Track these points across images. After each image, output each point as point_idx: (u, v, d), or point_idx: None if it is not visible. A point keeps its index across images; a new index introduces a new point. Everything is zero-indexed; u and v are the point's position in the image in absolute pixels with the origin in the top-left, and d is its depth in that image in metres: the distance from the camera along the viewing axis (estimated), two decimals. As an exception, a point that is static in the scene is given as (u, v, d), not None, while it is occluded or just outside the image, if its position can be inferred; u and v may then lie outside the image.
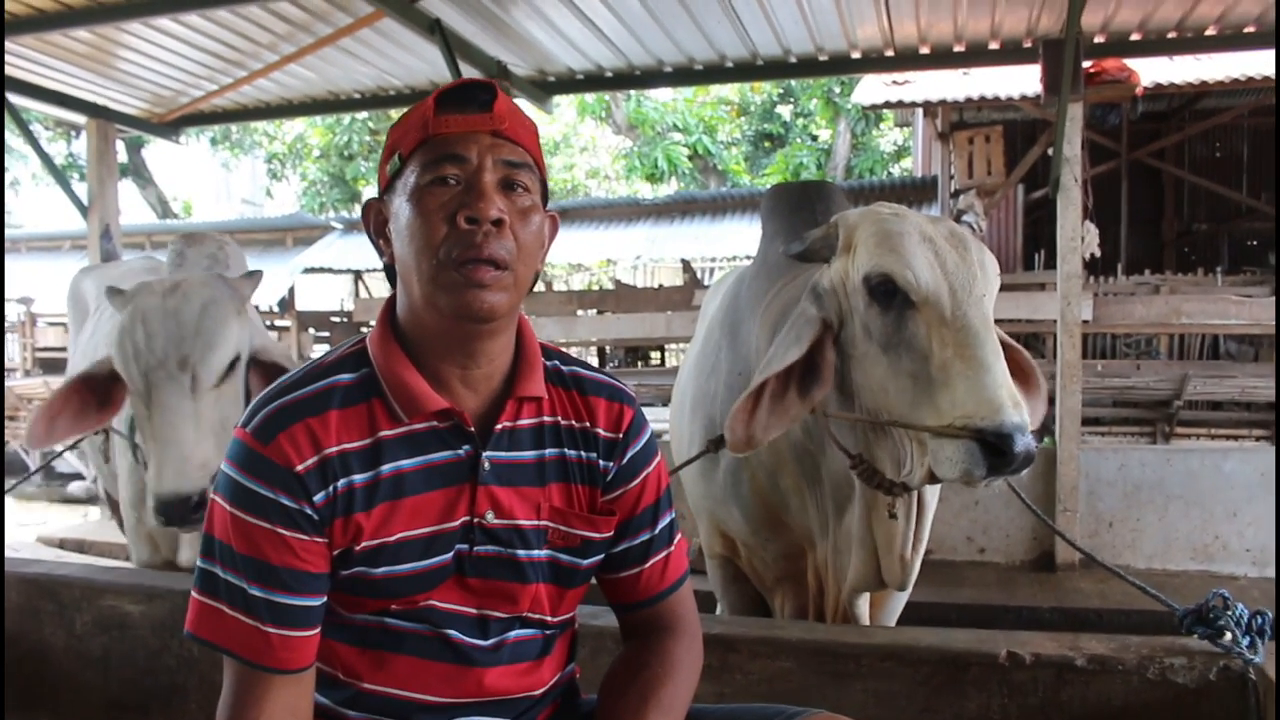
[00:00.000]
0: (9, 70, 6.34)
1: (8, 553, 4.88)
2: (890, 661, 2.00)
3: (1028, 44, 6.07)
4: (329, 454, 1.22)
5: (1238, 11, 5.60)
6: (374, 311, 11.85)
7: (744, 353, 2.44)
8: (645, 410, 1.48)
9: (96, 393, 2.63)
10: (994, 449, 1.62)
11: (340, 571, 1.24)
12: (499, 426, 1.30)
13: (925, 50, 6.31)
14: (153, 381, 2.39)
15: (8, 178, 18.12)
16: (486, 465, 1.28)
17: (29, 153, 14.73)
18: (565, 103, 17.22)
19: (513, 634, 1.33)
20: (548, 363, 1.38)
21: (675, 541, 1.46)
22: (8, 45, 5.82)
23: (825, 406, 2.04)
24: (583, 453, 1.36)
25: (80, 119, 7.28)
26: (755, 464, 2.39)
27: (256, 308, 3.16)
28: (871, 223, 1.91)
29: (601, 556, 1.39)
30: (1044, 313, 7.79)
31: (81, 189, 7.36)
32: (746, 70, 6.73)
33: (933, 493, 2.13)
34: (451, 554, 1.27)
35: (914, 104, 10.21)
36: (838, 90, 16.37)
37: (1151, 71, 8.67)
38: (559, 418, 1.36)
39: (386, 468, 1.24)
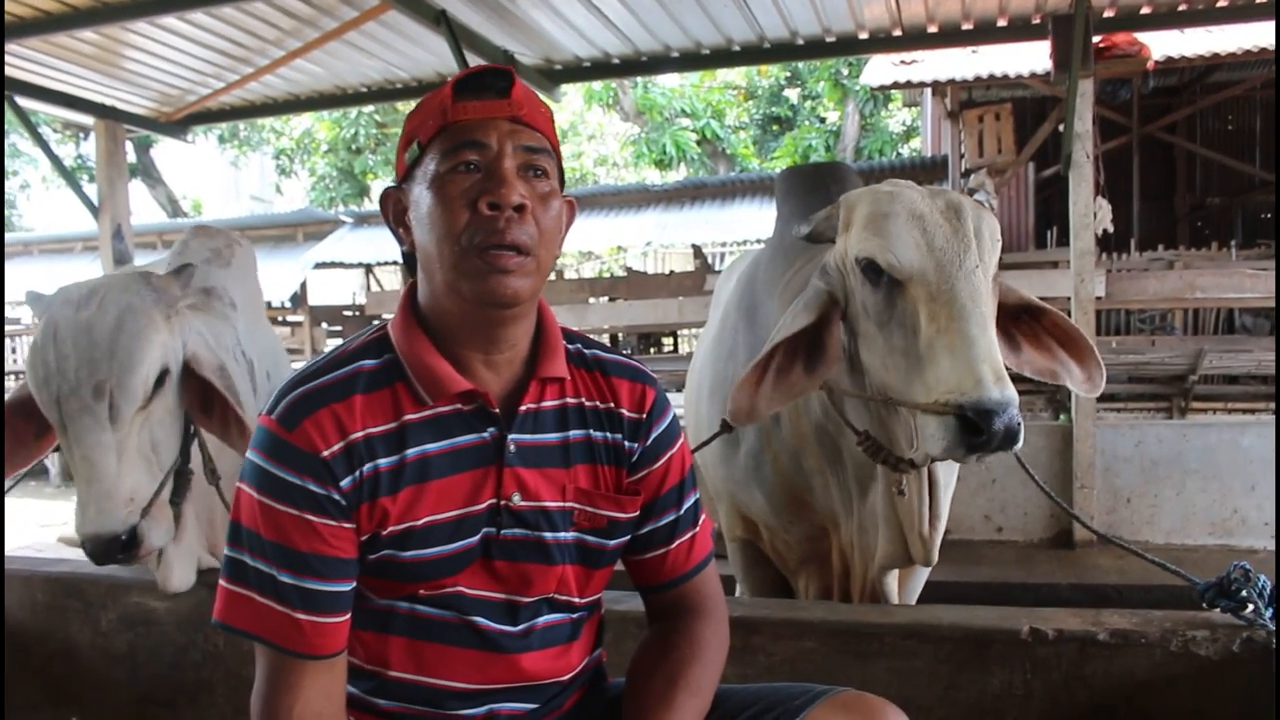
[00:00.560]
0: (17, 74, 6.36)
1: (31, 554, 4.95)
2: (913, 640, 2.00)
3: (1037, 20, 6.01)
4: (355, 439, 1.23)
5: (1249, -18, 5.55)
6: (386, 305, 11.88)
7: (762, 335, 2.44)
8: (660, 395, 1.48)
9: (34, 419, 2.25)
10: (974, 425, 1.61)
11: (368, 556, 1.25)
12: (523, 408, 1.30)
13: (933, 29, 6.26)
14: (66, 413, 2.08)
15: (18, 181, 18.21)
16: (512, 447, 1.29)
17: (39, 156, 14.77)
18: (572, 91, 17.15)
19: (541, 619, 1.34)
20: (569, 346, 1.39)
21: (700, 522, 1.47)
22: (15, 49, 5.84)
23: (836, 384, 2.05)
24: (608, 433, 1.37)
25: (88, 120, 7.29)
26: (778, 446, 2.40)
27: (269, 304, 3.11)
28: (865, 203, 1.92)
29: (628, 538, 1.40)
30: (1057, 290, 7.73)
31: (91, 190, 7.37)
32: (754, 53, 6.68)
33: (949, 470, 2.14)
34: (479, 537, 1.28)
35: (922, 84, 10.13)
36: (845, 72, 16.28)
37: (1162, 45, 8.58)
38: (583, 399, 1.37)
39: (412, 451, 1.25)
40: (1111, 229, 7.82)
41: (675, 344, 11.84)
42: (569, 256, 17.25)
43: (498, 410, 1.29)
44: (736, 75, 18.20)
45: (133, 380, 2.11)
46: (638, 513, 1.39)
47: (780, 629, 2.08)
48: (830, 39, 6.46)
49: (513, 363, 1.32)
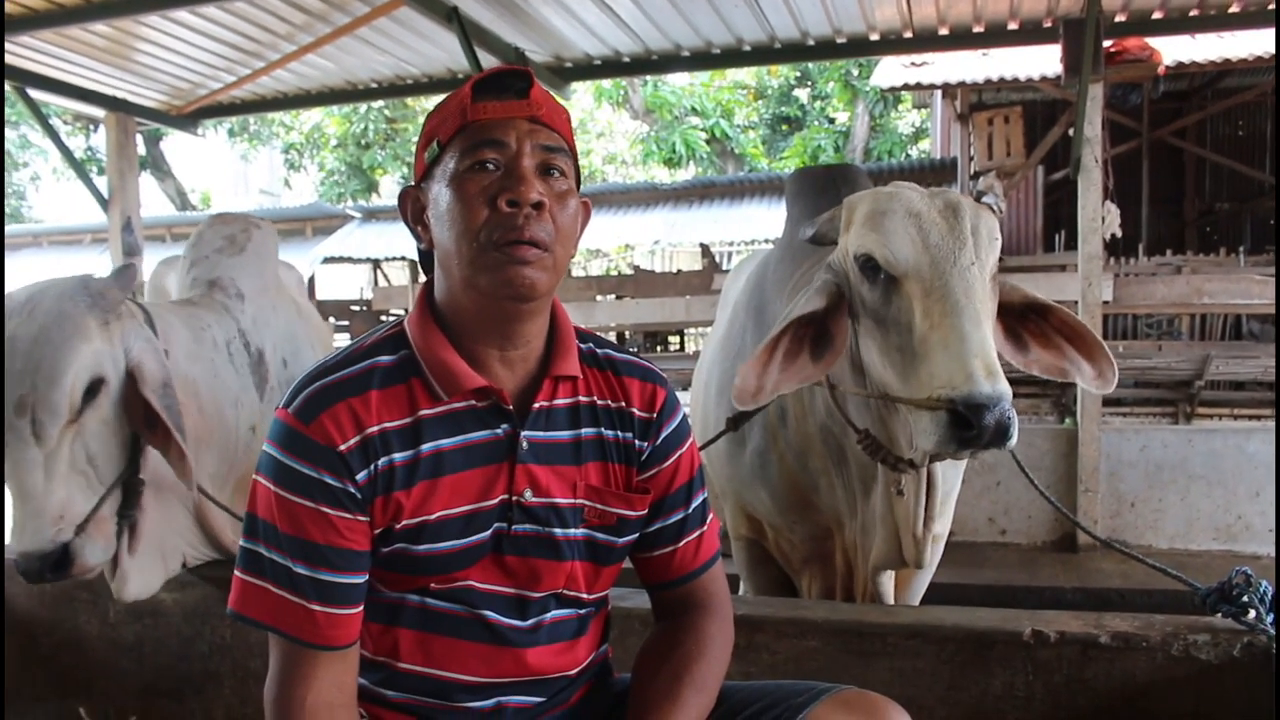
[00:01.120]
0: (28, 66, 6.39)
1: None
2: (916, 640, 2.02)
3: (1048, 23, 6.02)
4: (370, 433, 1.24)
5: (1261, -12, 5.54)
6: (393, 300, 11.92)
7: (770, 335, 2.46)
8: (667, 394, 1.50)
9: None
10: (964, 420, 1.60)
11: (381, 549, 1.27)
12: (536, 406, 1.32)
13: (944, 31, 6.26)
14: None
15: (29, 173, 18.27)
16: (525, 444, 1.30)
17: (49, 147, 14.84)
18: (582, 89, 17.20)
19: (550, 614, 1.35)
20: (582, 345, 1.40)
21: (708, 521, 1.48)
22: (27, 41, 5.87)
23: (839, 380, 2.07)
24: (619, 432, 1.38)
25: (99, 112, 7.31)
26: (784, 446, 2.41)
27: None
28: (866, 203, 1.94)
29: (636, 535, 1.42)
30: (1065, 293, 7.72)
31: (101, 182, 7.40)
32: (764, 53, 6.69)
33: (953, 475, 2.14)
34: (490, 532, 1.30)
35: (933, 85, 10.14)
36: (855, 72, 16.28)
37: (1173, 50, 8.57)
38: (595, 398, 1.38)
39: (426, 446, 1.27)
40: (1120, 233, 7.81)
41: (682, 343, 11.85)
42: (577, 254, 17.25)
43: (511, 407, 1.31)
44: (746, 75, 18.20)
45: (55, 394, 1.98)
46: (646, 511, 1.41)
47: (784, 628, 2.10)
48: (841, 40, 6.47)
49: (527, 360, 1.33)
